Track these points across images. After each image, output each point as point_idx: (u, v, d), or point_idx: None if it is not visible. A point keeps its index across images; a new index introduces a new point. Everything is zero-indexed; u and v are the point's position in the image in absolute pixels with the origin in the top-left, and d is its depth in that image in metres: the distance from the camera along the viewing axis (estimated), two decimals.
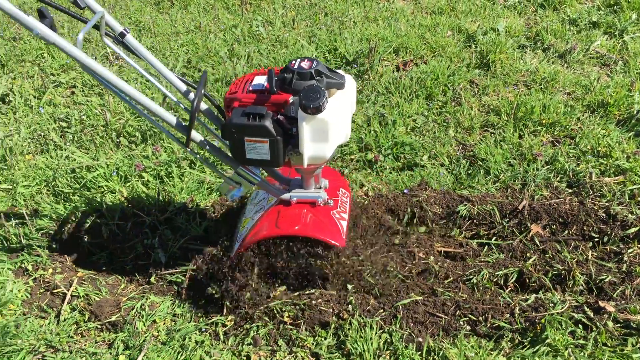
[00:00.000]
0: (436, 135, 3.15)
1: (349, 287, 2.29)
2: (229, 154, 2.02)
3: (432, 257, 2.46)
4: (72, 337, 2.20)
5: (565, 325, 2.09)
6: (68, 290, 2.37)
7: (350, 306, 2.22)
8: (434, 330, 2.16)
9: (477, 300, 2.25)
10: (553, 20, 4.06)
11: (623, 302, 2.21)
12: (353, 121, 3.29)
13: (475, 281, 2.37)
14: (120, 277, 2.46)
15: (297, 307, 2.23)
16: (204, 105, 2.11)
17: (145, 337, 2.16)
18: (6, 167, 3.03)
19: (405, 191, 2.77)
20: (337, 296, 2.28)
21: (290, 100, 1.89)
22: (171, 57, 3.96)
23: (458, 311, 2.21)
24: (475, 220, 2.63)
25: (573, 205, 2.61)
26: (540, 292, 2.29)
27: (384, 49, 3.87)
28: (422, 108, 3.35)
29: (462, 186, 2.82)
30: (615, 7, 4.14)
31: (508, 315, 2.17)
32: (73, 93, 3.73)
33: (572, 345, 2.02)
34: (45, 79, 3.84)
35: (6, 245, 2.58)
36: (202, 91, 1.95)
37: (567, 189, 2.73)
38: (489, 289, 2.35)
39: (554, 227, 2.57)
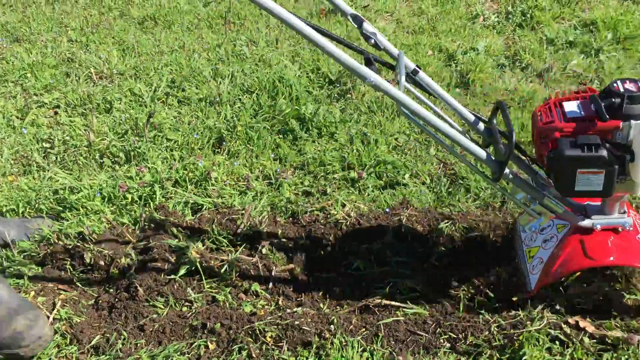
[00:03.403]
0: (418, 154, 3.20)
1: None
2: (533, 184, 2.07)
3: None
4: None
5: (542, 342, 2.13)
6: (51, 313, 2.37)
7: (332, 325, 2.25)
8: (415, 349, 2.19)
9: (457, 318, 2.28)
10: (531, 40, 4.14)
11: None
12: (336, 140, 3.34)
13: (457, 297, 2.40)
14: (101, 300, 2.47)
15: (280, 327, 2.25)
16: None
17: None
18: None
19: (387, 210, 2.81)
20: (319, 315, 2.31)
21: (621, 126, 1.85)
22: (155, 77, 3.98)
23: (439, 329, 2.24)
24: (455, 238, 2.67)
25: None
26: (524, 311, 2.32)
27: None
28: (404, 127, 3.40)
29: (443, 204, 2.86)
30: (591, 27, 4.23)
31: (487, 332, 2.20)
32: (56, 113, 3.74)
33: None
34: (28, 99, 3.85)
35: None
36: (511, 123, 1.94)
37: None
38: (472, 307, 2.38)
39: None
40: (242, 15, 4.93)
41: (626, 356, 2.07)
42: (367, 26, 1.98)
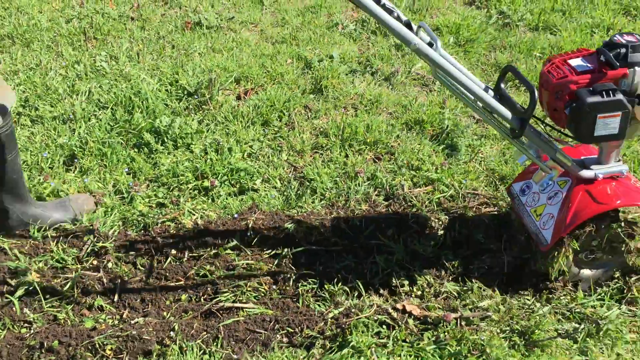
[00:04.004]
0: (270, 160, 3.31)
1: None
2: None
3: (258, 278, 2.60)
4: None
5: (371, 327, 2.29)
6: None
7: (173, 332, 2.29)
8: (253, 347, 2.28)
9: (295, 313, 2.40)
10: (382, 46, 4.38)
11: (425, 301, 2.44)
12: (191, 151, 3.38)
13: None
14: None
15: (121, 338, 2.27)
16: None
17: None
18: None
19: (235, 216, 2.89)
20: (161, 323, 2.35)
21: (628, 73, 2.07)
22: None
23: (277, 325, 2.35)
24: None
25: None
26: (359, 298, 2.47)
27: (225, 79, 4.00)
28: (258, 134, 3.50)
29: (291, 207, 2.98)
30: (436, 32, 4.55)
31: (322, 324, 2.33)
32: None
33: (374, 345, 2.21)
34: None
35: None
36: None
37: (383, 202, 2.97)
38: (309, 302, 2.50)
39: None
40: (105, 31, 4.87)
41: (444, 333, 2.26)
42: (387, 2, 2.11)
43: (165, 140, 3.44)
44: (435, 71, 2.14)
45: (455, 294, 2.47)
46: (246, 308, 2.45)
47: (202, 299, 2.55)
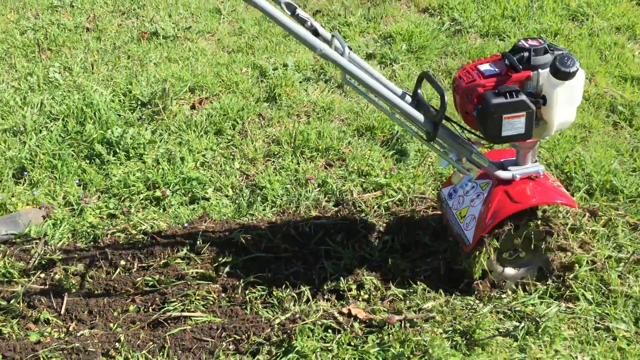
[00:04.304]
0: (222, 168, 3.32)
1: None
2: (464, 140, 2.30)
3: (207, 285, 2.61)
4: None
5: (317, 331, 2.32)
6: None
7: (118, 343, 2.29)
8: (200, 355, 2.29)
9: (242, 320, 2.41)
10: None
11: (371, 304, 2.48)
12: (144, 162, 3.38)
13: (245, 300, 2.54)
14: None
15: (65, 351, 2.26)
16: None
17: None
18: None
19: (185, 225, 2.90)
20: (107, 335, 2.35)
21: (532, 76, 2.15)
22: None
23: (224, 333, 2.36)
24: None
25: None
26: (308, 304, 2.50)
27: (180, 89, 4.01)
28: (211, 143, 3.52)
29: (242, 214, 3.00)
30: (389, 39, 4.62)
31: (269, 330, 2.35)
32: None
33: (319, 349, 2.24)
34: None
35: None
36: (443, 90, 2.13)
37: (333, 208, 3.01)
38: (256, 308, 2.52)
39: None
40: (60, 42, 4.83)
41: (388, 335, 2.30)
42: (300, 12, 2.15)
43: (117, 151, 3.43)
44: (345, 76, 2.21)
45: (401, 296, 2.52)
46: (194, 317, 2.46)
47: (150, 309, 2.55)
